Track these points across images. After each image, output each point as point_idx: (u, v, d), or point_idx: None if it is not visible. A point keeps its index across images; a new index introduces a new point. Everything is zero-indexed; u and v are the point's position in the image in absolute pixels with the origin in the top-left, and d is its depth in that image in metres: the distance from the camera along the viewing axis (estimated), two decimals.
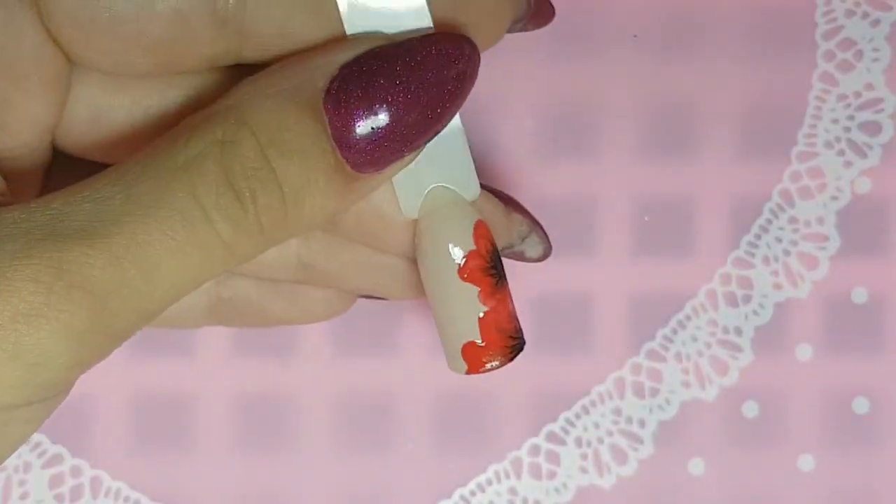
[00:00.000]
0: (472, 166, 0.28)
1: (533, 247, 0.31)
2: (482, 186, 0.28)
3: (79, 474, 0.36)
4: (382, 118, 0.24)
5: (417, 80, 0.24)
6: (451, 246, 0.28)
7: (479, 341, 0.28)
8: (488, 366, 0.28)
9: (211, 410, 0.36)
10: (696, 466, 0.36)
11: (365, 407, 0.36)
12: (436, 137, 0.26)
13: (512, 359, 0.28)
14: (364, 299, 0.33)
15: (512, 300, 0.28)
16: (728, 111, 0.36)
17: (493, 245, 0.28)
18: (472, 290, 0.28)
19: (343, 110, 0.24)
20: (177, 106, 0.27)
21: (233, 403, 0.36)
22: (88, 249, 0.22)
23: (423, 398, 0.36)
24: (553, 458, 0.36)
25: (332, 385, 0.36)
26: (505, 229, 0.30)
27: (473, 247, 0.28)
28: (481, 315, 0.28)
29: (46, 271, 0.22)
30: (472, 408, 0.36)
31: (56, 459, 0.36)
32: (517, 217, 0.31)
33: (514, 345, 0.28)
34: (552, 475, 0.36)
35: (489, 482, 0.36)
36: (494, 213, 0.29)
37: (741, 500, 0.37)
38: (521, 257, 0.31)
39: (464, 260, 0.27)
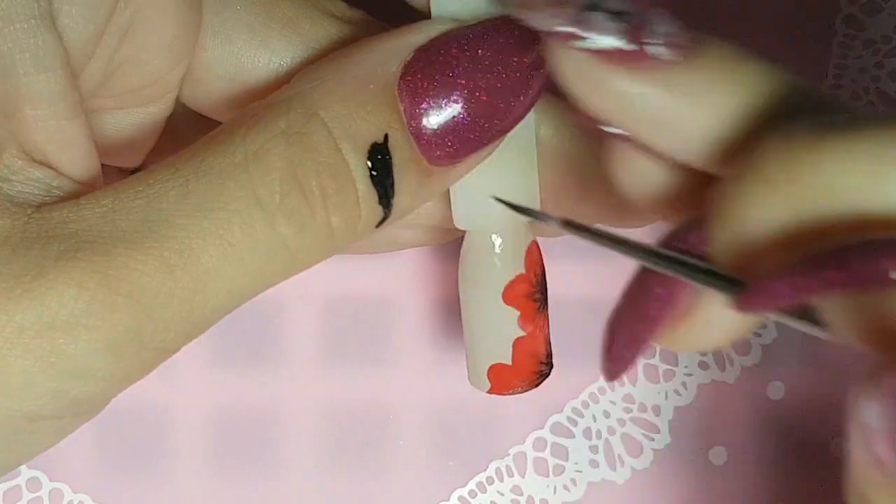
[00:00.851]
0: (537, 185, 0.27)
1: None
2: None
3: (37, 488, 0.35)
4: (461, 105, 0.24)
5: (499, 62, 0.24)
6: (500, 267, 0.28)
7: (509, 363, 0.28)
8: (516, 388, 0.29)
9: (187, 426, 0.35)
10: (718, 455, 0.35)
11: (357, 410, 0.35)
12: (504, 147, 0.26)
13: (537, 384, 0.29)
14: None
15: (549, 324, 0.29)
16: None
17: (542, 270, 0.28)
18: (513, 314, 0.28)
19: (420, 97, 0.24)
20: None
21: (212, 418, 0.35)
22: (138, 254, 0.21)
23: (418, 394, 0.35)
24: (560, 451, 0.35)
25: (321, 391, 0.35)
26: None
27: (523, 270, 0.28)
28: (517, 338, 0.28)
29: (91, 276, 0.21)
30: (470, 401, 0.35)
31: (13, 472, 0.34)
32: None
33: (541, 370, 0.29)
34: (560, 471, 0.35)
35: (490, 481, 0.35)
36: None
37: (768, 490, 0.36)
38: None
39: (510, 283, 0.28)
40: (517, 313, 0.28)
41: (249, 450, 0.35)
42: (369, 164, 0.23)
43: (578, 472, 0.35)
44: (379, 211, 0.24)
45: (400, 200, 0.24)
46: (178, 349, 0.23)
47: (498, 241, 0.28)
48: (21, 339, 0.21)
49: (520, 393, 0.28)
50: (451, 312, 0.35)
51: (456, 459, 0.35)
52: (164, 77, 0.26)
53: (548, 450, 0.35)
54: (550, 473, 0.35)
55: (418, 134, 0.24)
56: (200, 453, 0.35)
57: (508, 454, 0.35)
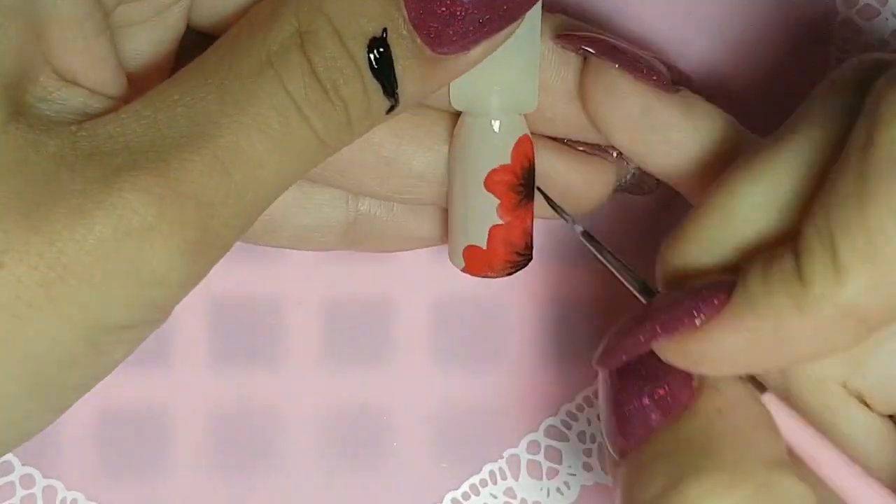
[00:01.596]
0: (537, 79, 0.28)
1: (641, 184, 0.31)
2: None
3: (30, 485, 0.34)
4: None
5: None
6: (485, 154, 0.28)
7: (484, 247, 0.29)
8: (487, 272, 0.29)
9: (184, 425, 0.35)
10: None
11: (353, 411, 0.35)
12: (512, 39, 0.26)
13: (510, 273, 0.29)
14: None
15: (532, 217, 0.29)
16: (740, 69, 0.34)
17: (531, 163, 0.28)
18: (493, 201, 0.28)
19: None
20: None
21: (209, 417, 0.35)
22: (193, 156, 0.22)
23: (413, 395, 0.35)
24: (554, 454, 0.35)
25: (319, 392, 0.35)
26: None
27: (508, 161, 0.28)
28: (493, 225, 0.28)
29: (155, 181, 0.22)
30: (465, 403, 0.35)
31: (6, 467, 0.34)
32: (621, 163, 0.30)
33: (515, 261, 0.29)
34: (553, 474, 0.35)
35: (484, 483, 0.35)
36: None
37: None
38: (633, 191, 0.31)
39: (493, 171, 0.28)
40: (497, 201, 0.28)
41: (245, 449, 0.34)
42: (370, 57, 0.24)
43: (572, 475, 0.35)
44: (386, 101, 0.25)
45: (406, 89, 0.25)
46: (233, 244, 0.24)
47: (487, 128, 0.28)
48: (101, 251, 0.22)
49: (492, 278, 0.29)
50: (449, 313, 0.34)
51: (449, 461, 0.35)
52: None
53: (542, 453, 0.35)
54: (544, 476, 0.35)
55: (420, 25, 0.24)
56: (196, 452, 0.34)
57: (502, 457, 0.35)
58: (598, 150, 0.30)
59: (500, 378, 0.35)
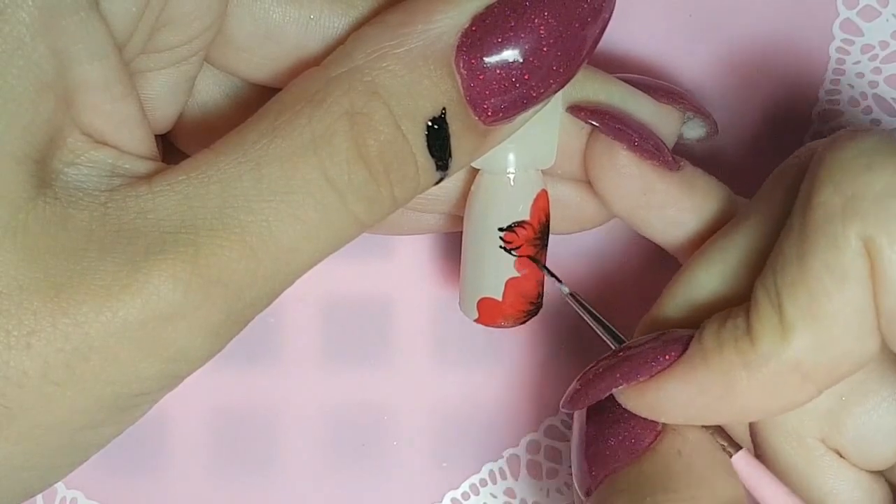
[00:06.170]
0: (556, 136, 0.28)
1: (693, 129, 0.31)
2: (634, 80, 0.29)
3: None
4: (519, 69, 0.24)
5: (553, 27, 0.24)
6: (505, 210, 0.28)
7: (499, 299, 0.29)
8: (500, 323, 0.29)
9: (184, 424, 0.35)
10: None
11: (353, 411, 0.35)
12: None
13: (523, 322, 0.29)
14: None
15: (544, 267, 0.29)
16: (741, 71, 0.34)
17: (547, 216, 0.29)
18: (510, 256, 0.28)
19: (477, 67, 0.24)
20: (349, 26, 0.27)
21: (209, 417, 0.35)
22: (223, 241, 0.22)
23: (413, 395, 0.35)
24: (554, 454, 0.35)
25: (319, 392, 0.35)
26: (660, 122, 0.30)
27: (527, 217, 0.28)
28: (510, 278, 0.28)
29: (182, 267, 0.22)
30: (465, 403, 0.35)
31: None
32: (668, 108, 0.30)
33: (529, 310, 0.29)
34: (553, 474, 0.35)
35: (483, 483, 0.35)
36: (643, 109, 0.29)
37: None
38: (682, 140, 0.31)
39: (513, 228, 0.28)
40: (515, 256, 0.28)
41: (245, 448, 0.34)
42: (428, 137, 0.24)
43: (572, 475, 0.34)
44: (437, 175, 0.25)
45: (457, 161, 0.25)
46: (255, 317, 0.24)
47: (507, 185, 0.28)
48: (126, 332, 0.22)
49: (504, 328, 0.29)
50: (448, 313, 0.34)
51: (449, 461, 0.34)
52: (201, 35, 0.26)
53: (542, 453, 0.35)
54: (544, 476, 0.34)
55: (475, 102, 0.24)
56: (195, 451, 0.34)
57: (502, 456, 0.35)
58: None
59: (500, 378, 0.34)
